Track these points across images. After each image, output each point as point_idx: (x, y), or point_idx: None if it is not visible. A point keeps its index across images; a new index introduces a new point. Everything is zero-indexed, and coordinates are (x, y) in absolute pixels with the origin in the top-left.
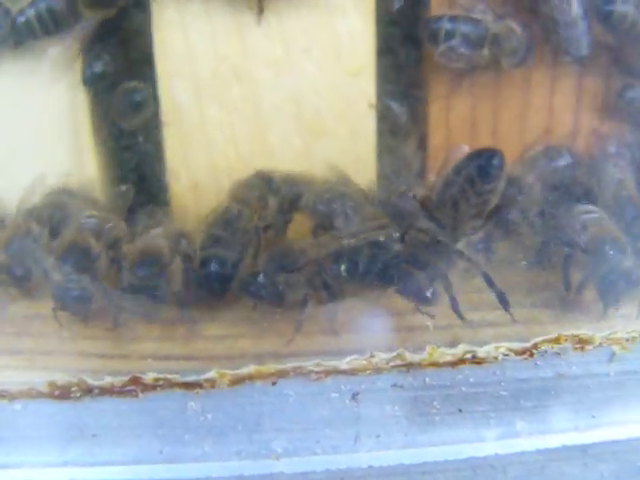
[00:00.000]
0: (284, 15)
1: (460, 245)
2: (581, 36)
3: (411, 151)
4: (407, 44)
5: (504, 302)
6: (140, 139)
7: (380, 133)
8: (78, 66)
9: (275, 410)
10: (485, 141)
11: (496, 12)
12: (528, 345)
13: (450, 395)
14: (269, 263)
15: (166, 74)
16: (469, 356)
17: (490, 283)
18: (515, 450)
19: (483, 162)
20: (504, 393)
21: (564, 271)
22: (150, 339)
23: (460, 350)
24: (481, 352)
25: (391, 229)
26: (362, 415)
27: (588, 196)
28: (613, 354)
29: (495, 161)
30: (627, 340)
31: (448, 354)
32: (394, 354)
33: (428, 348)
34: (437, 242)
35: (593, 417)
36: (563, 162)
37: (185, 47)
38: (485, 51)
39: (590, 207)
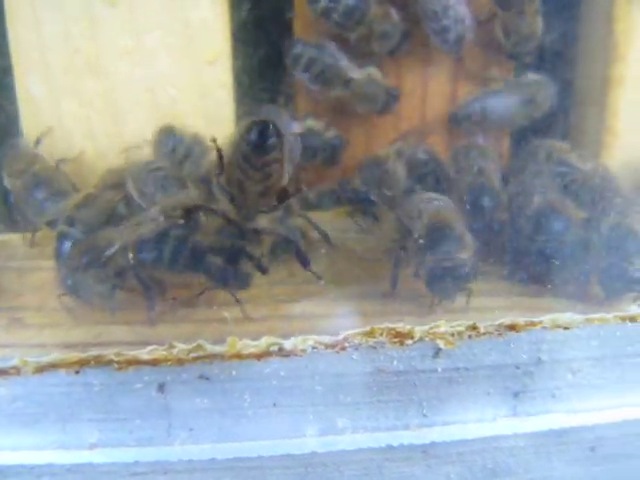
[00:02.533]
0: (136, 6)
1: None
2: (451, 28)
3: None
4: (270, 30)
5: (305, 262)
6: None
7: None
8: None
9: (84, 399)
10: (358, 128)
11: None
12: (339, 338)
13: (262, 388)
14: (77, 257)
15: (21, 68)
16: (275, 348)
17: (299, 252)
18: (340, 448)
19: (252, 136)
20: (319, 388)
21: (395, 261)
22: None
23: (264, 342)
24: (287, 344)
25: (175, 215)
26: (172, 407)
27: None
28: (439, 349)
29: (264, 133)
30: (452, 335)
31: (251, 346)
32: (194, 345)
33: (229, 339)
34: (230, 223)
35: (425, 416)
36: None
37: (39, 41)
38: (360, 29)
39: (434, 195)
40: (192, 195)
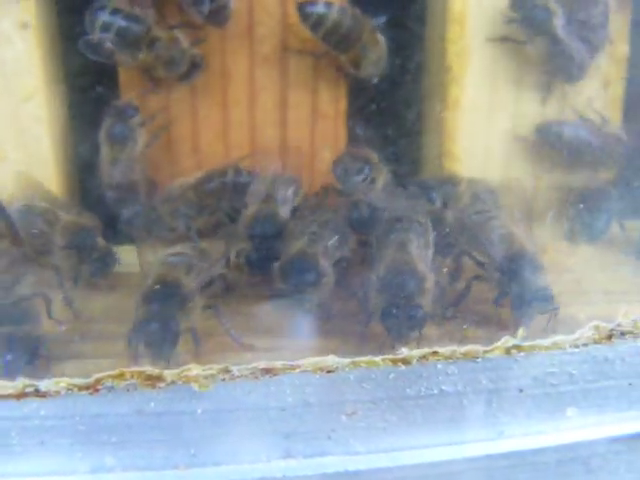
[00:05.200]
0: None
1: None
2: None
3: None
4: (85, 64)
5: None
6: None
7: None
8: None
9: None
10: (187, 159)
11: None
12: (91, 380)
13: (26, 427)
14: None
15: None
16: (31, 390)
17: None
18: None
19: None
20: (82, 427)
21: None
22: None
23: (20, 384)
24: (42, 386)
25: None
26: None
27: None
28: (194, 392)
29: None
30: (205, 378)
31: (9, 387)
32: None
33: None
34: None
35: (194, 456)
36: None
37: None
38: (142, 54)
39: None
40: None
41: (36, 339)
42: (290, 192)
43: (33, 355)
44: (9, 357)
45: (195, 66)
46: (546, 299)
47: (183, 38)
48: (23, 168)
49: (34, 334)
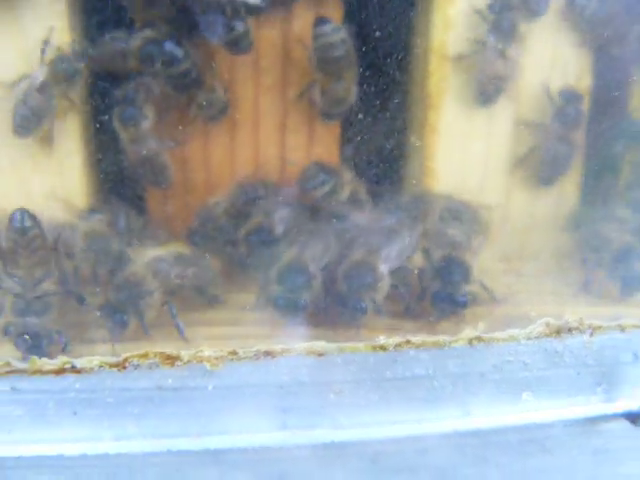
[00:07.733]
0: None
1: None
2: None
3: None
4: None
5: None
6: None
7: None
8: None
9: None
10: (199, 173)
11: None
12: (120, 359)
13: (62, 399)
14: None
15: None
16: (69, 366)
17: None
18: (134, 451)
19: (13, 224)
20: (110, 400)
21: None
22: None
23: (59, 361)
24: (78, 363)
25: None
26: None
27: None
28: (206, 370)
29: (23, 219)
30: (216, 358)
31: (49, 364)
32: (3, 362)
33: (30, 358)
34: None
35: (204, 425)
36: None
37: None
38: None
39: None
40: None
41: None
42: None
43: None
44: None
45: (221, 111)
46: (459, 304)
47: (219, 86)
48: (58, 181)
49: None
